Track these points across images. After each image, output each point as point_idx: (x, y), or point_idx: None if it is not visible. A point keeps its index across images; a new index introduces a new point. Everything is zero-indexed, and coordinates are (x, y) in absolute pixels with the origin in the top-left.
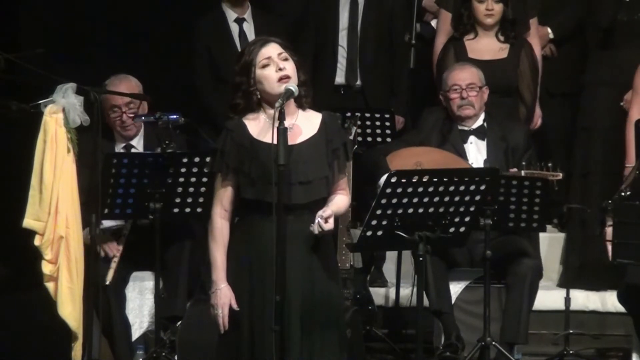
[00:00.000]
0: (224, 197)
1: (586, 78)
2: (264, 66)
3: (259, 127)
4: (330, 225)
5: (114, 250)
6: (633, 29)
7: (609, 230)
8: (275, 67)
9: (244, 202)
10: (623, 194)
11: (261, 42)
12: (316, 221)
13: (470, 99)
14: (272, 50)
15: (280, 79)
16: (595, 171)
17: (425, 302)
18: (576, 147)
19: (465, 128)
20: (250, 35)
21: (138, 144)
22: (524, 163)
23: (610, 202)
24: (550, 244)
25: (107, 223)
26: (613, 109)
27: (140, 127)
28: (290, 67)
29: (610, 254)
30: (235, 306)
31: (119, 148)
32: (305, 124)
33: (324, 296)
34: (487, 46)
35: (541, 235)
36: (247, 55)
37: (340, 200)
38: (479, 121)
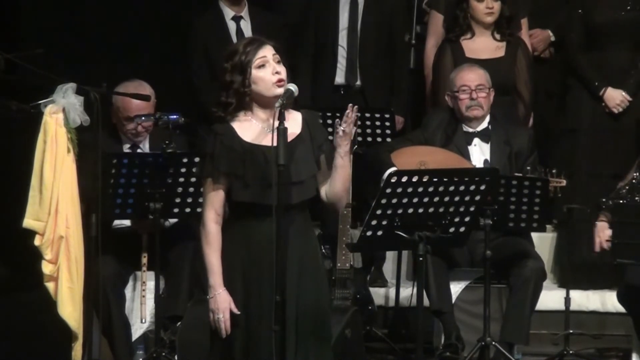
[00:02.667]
0: (215, 201)
1: (571, 80)
2: (260, 67)
3: (249, 129)
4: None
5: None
6: (617, 29)
7: (599, 225)
8: (272, 69)
9: (237, 206)
10: (621, 191)
11: (258, 44)
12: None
13: (480, 100)
14: (268, 51)
15: (278, 82)
16: (584, 173)
17: (426, 302)
18: (563, 148)
19: (470, 130)
20: (248, 34)
21: (144, 144)
22: (528, 168)
23: (604, 200)
24: (550, 244)
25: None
26: (598, 110)
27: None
28: (283, 71)
29: (595, 247)
30: (235, 310)
31: (126, 149)
32: (290, 124)
33: (313, 295)
34: (484, 45)
35: (541, 235)
36: (243, 55)
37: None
38: (484, 123)
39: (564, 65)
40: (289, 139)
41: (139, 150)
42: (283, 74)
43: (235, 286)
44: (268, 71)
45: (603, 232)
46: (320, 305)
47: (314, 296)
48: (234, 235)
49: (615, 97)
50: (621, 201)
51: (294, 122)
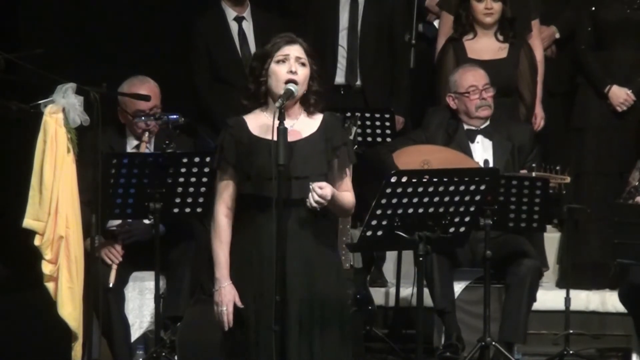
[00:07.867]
0: (224, 194)
1: (580, 79)
2: (279, 62)
3: (259, 123)
4: (326, 192)
5: (116, 255)
6: (625, 28)
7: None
8: (288, 67)
9: (242, 197)
10: (631, 192)
11: (287, 40)
12: (310, 188)
13: (488, 100)
14: (293, 50)
15: (288, 81)
16: (590, 172)
17: (427, 301)
18: (569, 147)
19: (473, 127)
20: (250, 34)
21: (149, 145)
22: (534, 165)
23: (616, 202)
24: (551, 244)
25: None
26: (605, 109)
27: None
28: (302, 74)
29: None
30: (239, 304)
31: (131, 146)
32: (306, 125)
33: (326, 292)
34: (486, 46)
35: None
36: (270, 45)
37: (346, 196)
38: (487, 121)
39: (573, 63)
40: (300, 137)
41: (145, 150)
42: (298, 76)
43: (245, 281)
44: (284, 68)
45: None
46: (333, 301)
47: (325, 293)
48: (242, 228)
49: (620, 95)
50: (621, 200)
51: (312, 123)
